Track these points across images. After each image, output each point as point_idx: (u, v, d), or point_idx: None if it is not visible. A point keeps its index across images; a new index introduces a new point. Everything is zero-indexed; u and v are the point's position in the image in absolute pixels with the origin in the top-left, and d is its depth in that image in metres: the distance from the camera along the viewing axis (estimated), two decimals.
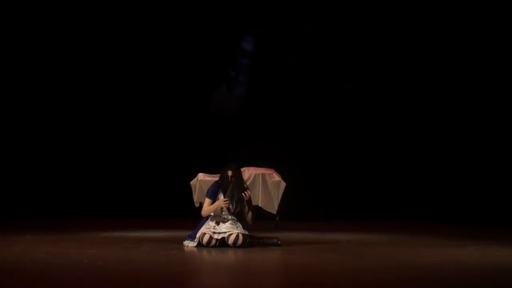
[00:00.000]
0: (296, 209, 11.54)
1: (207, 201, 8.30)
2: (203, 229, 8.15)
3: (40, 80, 13.36)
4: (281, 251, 7.93)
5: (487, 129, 12.88)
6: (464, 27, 12.92)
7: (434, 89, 13.20)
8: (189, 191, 9.19)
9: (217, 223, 8.14)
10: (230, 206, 8.15)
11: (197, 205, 9.49)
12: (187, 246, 8.15)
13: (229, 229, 8.07)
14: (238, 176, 8.28)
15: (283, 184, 9.47)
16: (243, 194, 8.19)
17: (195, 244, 8.11)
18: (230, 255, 7.53)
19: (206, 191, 8.63)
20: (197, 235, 8.13)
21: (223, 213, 8.19)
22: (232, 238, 7.97)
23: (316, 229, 10.48)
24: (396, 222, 11.94)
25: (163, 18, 13.55)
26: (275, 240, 8.29)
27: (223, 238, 8.00)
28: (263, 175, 9.39)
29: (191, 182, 9.24)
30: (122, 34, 13.50)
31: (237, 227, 8.13)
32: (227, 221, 8.13)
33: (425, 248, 8.27)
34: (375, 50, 13.50)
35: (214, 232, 8.05)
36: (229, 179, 8.19)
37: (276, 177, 9.51)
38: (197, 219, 8.44)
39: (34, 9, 13.24)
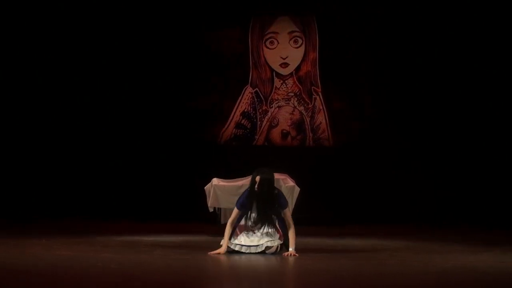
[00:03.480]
0: (309, 214, 11.47)
1: (235, 211, 8.08)
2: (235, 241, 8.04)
3: (40, 80, 13.29)
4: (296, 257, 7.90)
5: (487, 129, 12.86)
6: (464, 27, 12.90)
7: (434, 89, 13.17)
8: (203, 196, 9.20)
9: (247, 236, 8.03)
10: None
11: (211, 210, 9.48)
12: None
13: (263, 241, 7.97)
14: (267, 188, 7.94)
15: (297, 190, 9.43)
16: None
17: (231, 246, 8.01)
18: (242, 261, 7.50)
19: (221, 196, 8.59)
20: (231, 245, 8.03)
21: (252, 225, 8.08)
22: (271, 250, 7.93)
23: (329, 235, 10.43)
24: (409, 227, 11.89)
25: (163, 18, 13.51)
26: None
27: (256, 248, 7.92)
28: (277, 180, 9.36)
29: (205, 187, 9.24)
30: (122, 34, 13.45)
31: (271, 235, 8.05)
32: (258, 232, 8.07)
33: (440, 255, 8.23)
34: (375, 50, 13.46)
35: (249, 246, 7.98)
36: (256, 190, 7.95)
37: (290, 182, 9.47)
38: (213, 225, 8.41)
39: (34, 9, 13.21)
